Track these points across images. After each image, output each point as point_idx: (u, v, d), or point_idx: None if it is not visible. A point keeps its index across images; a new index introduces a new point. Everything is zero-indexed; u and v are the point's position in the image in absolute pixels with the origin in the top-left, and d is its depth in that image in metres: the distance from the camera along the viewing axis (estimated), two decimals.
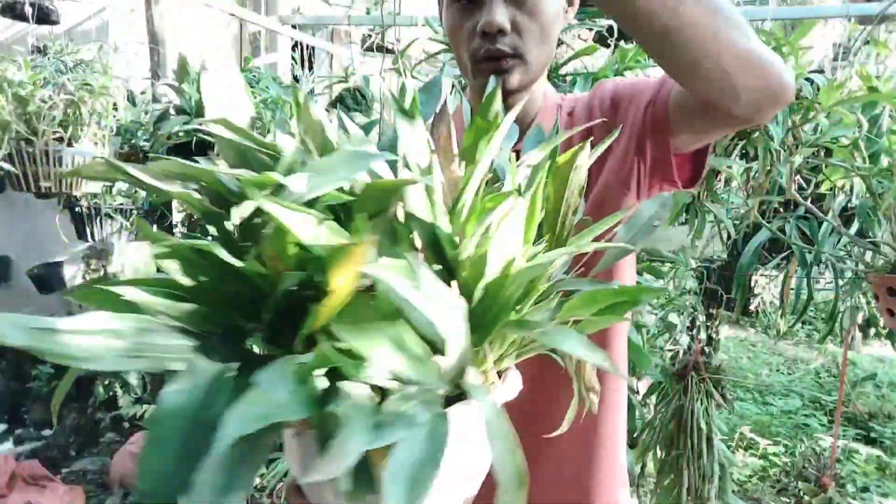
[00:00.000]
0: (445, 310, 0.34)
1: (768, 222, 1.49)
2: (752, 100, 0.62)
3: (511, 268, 0.40)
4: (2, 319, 0.30)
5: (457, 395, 0.39)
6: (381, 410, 0.33)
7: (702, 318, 1.98)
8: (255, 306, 0.35)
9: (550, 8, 0.75)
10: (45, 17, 2.90)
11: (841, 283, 1.54)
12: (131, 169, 0.35)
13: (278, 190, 0.34)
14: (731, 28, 0.59)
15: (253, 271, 0.34)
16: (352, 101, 2.51)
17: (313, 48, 2.89)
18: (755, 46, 0.60)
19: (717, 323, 2.03)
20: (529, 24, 0.74)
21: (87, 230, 2.14)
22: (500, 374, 0.46)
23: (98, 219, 2.12)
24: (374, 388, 0.35)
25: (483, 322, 0.39)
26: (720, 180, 1.61)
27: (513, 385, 0.46)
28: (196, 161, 0.38)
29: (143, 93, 2.33)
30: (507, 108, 0.55)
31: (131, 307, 0.34)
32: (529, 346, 0.47)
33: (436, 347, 0.36)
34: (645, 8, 0.56)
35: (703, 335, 2.01)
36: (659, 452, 1.89)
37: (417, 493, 0.28)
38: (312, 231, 0.33)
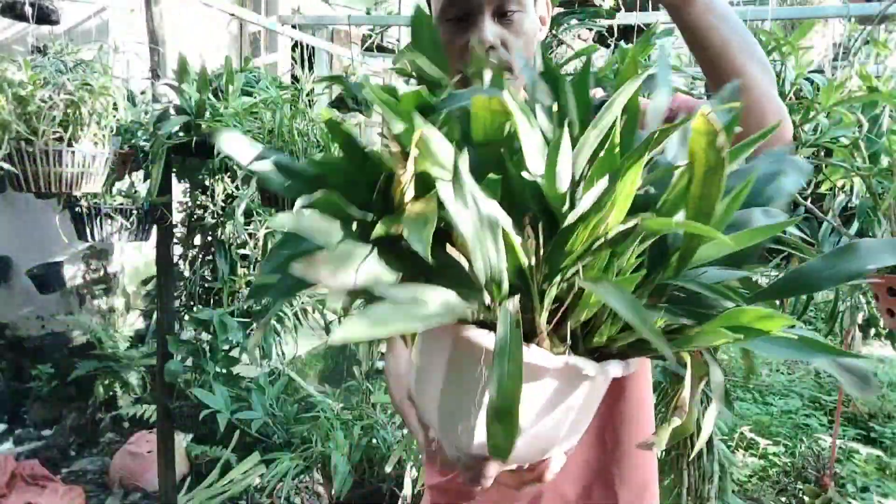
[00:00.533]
0: (480, 221, 0.41)
1: None
2: (771, 139, 0.74)
3: (593, 218, 0.42)
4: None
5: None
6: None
7: None
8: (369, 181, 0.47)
9: (531, 27, 0.85)
10: (45, 17, 2.90)
11: None
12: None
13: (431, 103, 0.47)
14: (772, 85, 0.76)
15: (374, 154, 0.46)
16: (352, 101, 2.51)
17: (313, 48, 2.89)
18: (779, 100, 0.78)
19: None
20: (515, 40, 0.83)
21: (87, 230, 2.13)
22: (601, 351, 0.48)
23: (98, 219, 2.12)
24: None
25: (555, 262, 0.44)
26: None
27: (611, 367, 0.47)
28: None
29: (143, 93, 2.32)
30: None
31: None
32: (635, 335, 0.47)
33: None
34: (725, 59, 0.73)
35: None
36: (659, 452, 1.89)
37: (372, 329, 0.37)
38: (402, 127, 0.44)
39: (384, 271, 0.41)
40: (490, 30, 0.80)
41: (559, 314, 0.46)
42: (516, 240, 0.43)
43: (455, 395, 0.49)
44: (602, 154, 0.44)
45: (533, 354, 0.44)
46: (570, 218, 0.42)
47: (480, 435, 0.47)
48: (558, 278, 0.44)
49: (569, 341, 0.46)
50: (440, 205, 0.42)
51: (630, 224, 0.41)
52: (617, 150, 0.44)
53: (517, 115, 0.44)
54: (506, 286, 0.43)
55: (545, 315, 0.45)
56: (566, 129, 0.43)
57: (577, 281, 0.44)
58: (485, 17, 0.81)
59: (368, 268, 0.40)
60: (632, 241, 0.45)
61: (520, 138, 0.44)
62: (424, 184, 0.44)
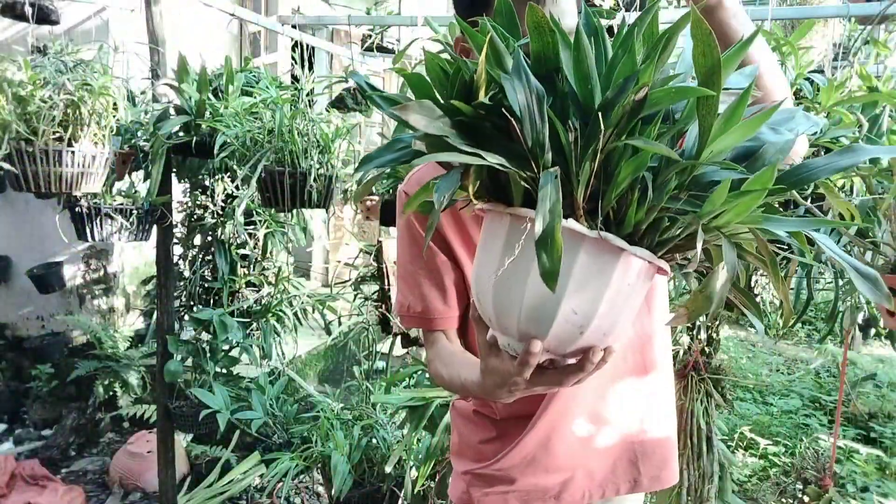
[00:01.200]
0: (529, 90, 0.52)
1: None
2: None
3: (618, 105, 0.51)
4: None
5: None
6: None
7: (702, 317, 1.97)
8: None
9: None
10: (45, 17, 2.90)
11: (841, 283, 1.54)
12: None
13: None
14: (786, 88, 0.84)
15: (459, 74, 0.59)
16: (352, 100, 2.50)
17: (313, 48, 2.89)
18: (789, 89, 0.87)
19: (717, 323, 2.03)
20: None
21: (87, 230, 2.13)
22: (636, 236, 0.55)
23: (98, 219, 2.12)
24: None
25: (590, 138, 0.53)
26: None
27: (640, 251, 0.54)
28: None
29: (143, 93, 2.32)
30: None
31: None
32: (677, 229, 0.56)
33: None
34: (746, 59, 0.77)
35: (703, 335, 2.01)
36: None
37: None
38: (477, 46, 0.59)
39: (455, 132, 0.54)
40: None
41: (591, 194, 0.55)
42: (558, 123, 0.53)
43: (506, 273, 0.57)
44: (623, 61, 0.54)
45: (572, 223, 0.53)
46: (598, 102, 0.52)
47: (527, 311, 0.56)
48: (591, 150, 0.53)
49: (601, 220, 0.55)
50: (501, 100, 0.53)
51: (641, 94, 0.50)
52: (638, 56, 0.54)
53: (557, 31, 0.53)
54: (549, 153, 0.53)
55: (582, 190, 0.54)
56: (583, 34, 0.52)
57: (608, 147, 0.53)
58: None
59: (442, 123, 0.53)
60: (652, 128, 0.54)
61: (560, 54, 0.54)
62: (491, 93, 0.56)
